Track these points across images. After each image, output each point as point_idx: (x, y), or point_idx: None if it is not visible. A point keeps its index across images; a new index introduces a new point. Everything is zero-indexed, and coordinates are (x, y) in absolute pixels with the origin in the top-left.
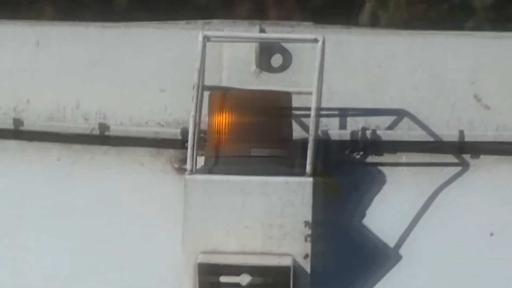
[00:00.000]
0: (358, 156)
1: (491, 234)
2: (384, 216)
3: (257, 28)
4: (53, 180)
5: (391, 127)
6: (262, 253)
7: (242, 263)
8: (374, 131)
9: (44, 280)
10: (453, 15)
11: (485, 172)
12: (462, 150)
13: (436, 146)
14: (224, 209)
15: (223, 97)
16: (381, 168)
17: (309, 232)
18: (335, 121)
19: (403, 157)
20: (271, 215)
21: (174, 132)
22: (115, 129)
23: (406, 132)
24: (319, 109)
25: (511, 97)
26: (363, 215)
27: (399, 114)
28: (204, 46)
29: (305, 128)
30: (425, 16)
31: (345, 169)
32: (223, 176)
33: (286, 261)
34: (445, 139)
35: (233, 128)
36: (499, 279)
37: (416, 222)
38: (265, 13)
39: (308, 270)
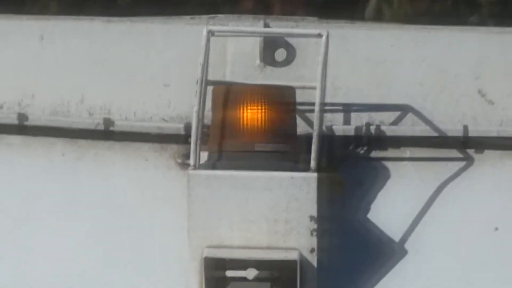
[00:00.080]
0: (362, 151)
1: (496, 229)
2: (388, 210)
3: (261, 22)
4: (58, 175)
5: (395, 122)
6: (268, 248)
7: (248, 257)
8: (378, 126)
9: (49, 276)
10: (457, 10)
11: (489, 167)
12: (466, 145)
13: (440, 141)
14: (228, 204)
15: (227, 92)
16: (385, 163)
17: (315, 226)
18: (339, 116)
19: (407, 152)
20: (276, 210)
21: (177, 127)
22: (120, 124)
23: (410, 127)
24: (323, 104)
25: None
26: (367, 210)
27: (403, 109)
28: (208, 41)
29: (309, 123)
30: (429, 11)
31: (349, 164)
32: (227, 171)
33: (293, 255)
34: (449, 134)
35: (236, 123)
36: (504, 274)
37: (421, 216)
38: (270, 8)
39: (315, 264)
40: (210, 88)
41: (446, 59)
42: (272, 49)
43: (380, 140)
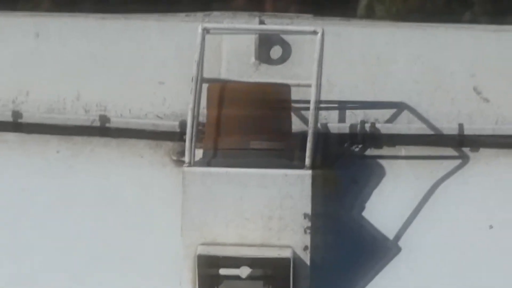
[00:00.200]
0: (357, 149)
1: (491, 227)
2: (383, 209)
3: (256, 20)
4: (53, 173)
5: (390, 120)
6: (262, 245)
7: (241, 255)
8: (373, 124)
9: (44, 273)
10: (450, 7)
11: (484, 165)
12: (462, 143)
13: (435, 139)
14: (223, 202)
15: (222, 90)
16: (380, 161)
17: (309, 224)
18: (334, 114)
19: (402, 150)
20: (270, 207)
21: (172, 124)
22: (116, 121)
23: (406, 125)
24: (318, 101)
25: (511, 90)
26: (362, 208)
27: (399, 107)
28: (203, 38)
29: (304, 120)
30: (422, 8)
31: (344, 162)
32: (222, 168)
33: (286, 253)
34: (445, 132)
35: (231, 120)
36: (498, 272)
37: (415, 215)
38: (262, 5)
39: (308, 262)
40: (205, 86)
41: (442, 57)
42: (268, 47)
43: (375, 138)
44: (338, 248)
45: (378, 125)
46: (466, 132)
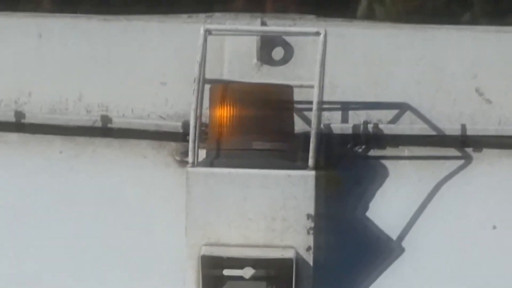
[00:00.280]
0: (360, 150)
1: (494, 227)
2: (386, 209)
3: (258, 21)
4: (55, 173)
5: (393, 121)
6: (265, 246)
7: (245, 255)
8: (376, 125)
9: (46, 273)
10: (450, 8)
11: (487, 166)
12: (464, 144)
13: (438, 139)
14: (226, 202)
15: (224, 90)
16: (383, 161)
17: (312, 225)
18: (337, 115)
19: (405, 151)
20: (273, 208)
21: (175, 125)
22: (118, 122)
23: (408, 126)
24: (321, 102)
25: None
26: (365, 209)
27: (401, 107)
28: (205, 40)
29: (307, 121)
30: (421, 9)
31: (347, 162)
32: (225, 169)
33: (289, 254)
34: (447, 133)
35: (234, 121)
36: (502, 272)
37: (419, 215)
38: (262, 5)
39: (311, 262)
40: (207, 87)
41: (444, 58)
42: (270, 48)
43: (378, 139)
44: (341, 248)
45: (381, 126)
46: (468, 133)
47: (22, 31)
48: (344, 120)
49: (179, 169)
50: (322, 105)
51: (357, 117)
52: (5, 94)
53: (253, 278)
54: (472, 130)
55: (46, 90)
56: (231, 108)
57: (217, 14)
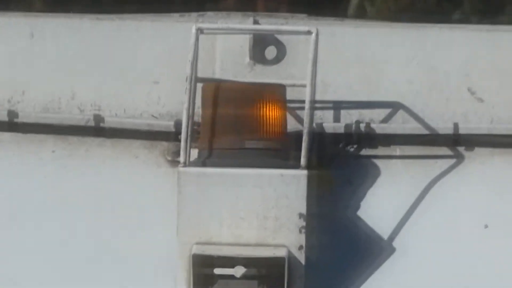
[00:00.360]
0: (352, 149)
1: (486, 226)
2: (378, 208)
3: (250, 20)
4: (48, 173)
5: (385, 120)
6: (257, 245)
7: (236, 254)
8: (368, 124)
9: (38, 272)
10: (440, 6)
11: (479, 164)
12: (457, 143)
13: (430, 139)
14: (218, 201)
15: (217, 89)
16: (375, 161)
17: (304, 224)
18: (329, 114)
19: (397, 150)
20: (265, 207)
21: (167, 124)
22: (110, 121)
23: (400, 125)
24: (313, 101)
25: (505, 90)
26: (357, 208)
27: (393, 107)
28: (197, 39)
29: (299, 120)
30: (412, 8)
31: (339, 162)
32: (217, 168)
33: (281, 252)
34: (440, 132)
35: (226, 120)
36: (494, 271)
37: (410, 214)
38: (254, 5)
39: (303, 261)
40: (199, 86)
41: (436, 57)
42: (262, 47)
43: (370, 138)
44: (333, 247)
45: (373, 125)
46: (461, 132)
47: (14, 31)
48: (336, 119)
49: (170, 168)
50: (315, 104)
51: (349, 116)
52: None
53: (244, 276)
54: (464, 129)
55: (38, 89)
56: (224, 107)
57: (209, 13)
